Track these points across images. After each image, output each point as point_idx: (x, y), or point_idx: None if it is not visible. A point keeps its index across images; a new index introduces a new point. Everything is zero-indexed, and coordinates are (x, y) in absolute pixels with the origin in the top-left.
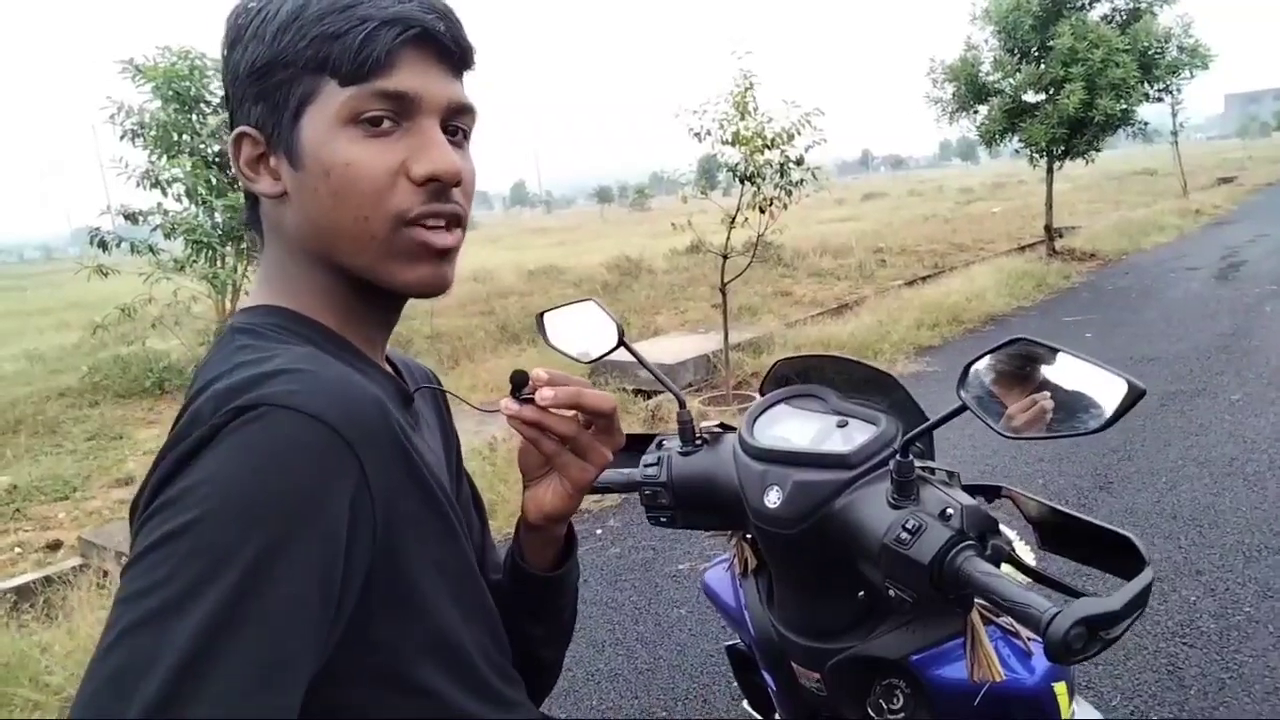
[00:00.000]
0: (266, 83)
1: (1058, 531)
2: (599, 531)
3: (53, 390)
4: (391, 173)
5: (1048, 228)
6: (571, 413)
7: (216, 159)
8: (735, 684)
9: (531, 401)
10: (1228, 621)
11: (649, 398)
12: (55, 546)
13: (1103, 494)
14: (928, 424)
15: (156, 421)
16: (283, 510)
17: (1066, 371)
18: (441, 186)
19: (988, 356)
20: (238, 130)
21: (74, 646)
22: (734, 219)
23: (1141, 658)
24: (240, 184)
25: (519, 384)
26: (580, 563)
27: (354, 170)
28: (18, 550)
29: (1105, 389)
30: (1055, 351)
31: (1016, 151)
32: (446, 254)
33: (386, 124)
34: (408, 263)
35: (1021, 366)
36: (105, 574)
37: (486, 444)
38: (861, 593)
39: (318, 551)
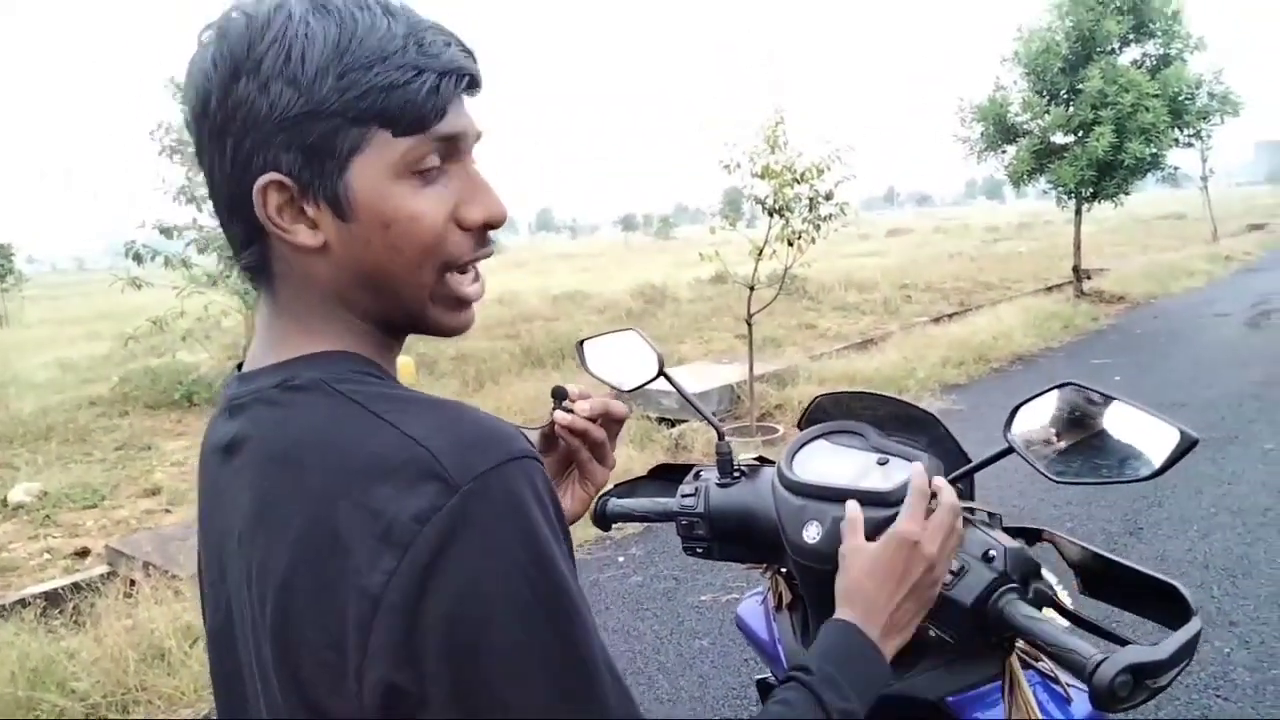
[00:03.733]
0: (306, 133)
1: (1100, 577)
2: (621, 559)
3: (83, 399)
4: (446, 221)
5: (1076, 269)
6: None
7: None
8: None
9: (572, 413)
10: (1263, 675)
11: (672, 425)
12: (83, 554)
13: (1133, 539)
14: (972, 465)
15: (185, 433)
16: (561, 530)
17: (1117, 418)
18: (487, 229)
19: (1036, 400)
20: (269, 178)
21: (100, 654)
22: (761, 251)
23: (1174, 708)
24: (269, 232)
25: (561, 397)
26: (601, 590)
27: (417, 224)
28: (47, 556)
29: (1156, 437)
30: (1106, 397)
31: (1045, 192)
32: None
33: (435, 170)
34: (446, 310)
35: (1070, 411)
36: (132, 583)
37: None
38: None
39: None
